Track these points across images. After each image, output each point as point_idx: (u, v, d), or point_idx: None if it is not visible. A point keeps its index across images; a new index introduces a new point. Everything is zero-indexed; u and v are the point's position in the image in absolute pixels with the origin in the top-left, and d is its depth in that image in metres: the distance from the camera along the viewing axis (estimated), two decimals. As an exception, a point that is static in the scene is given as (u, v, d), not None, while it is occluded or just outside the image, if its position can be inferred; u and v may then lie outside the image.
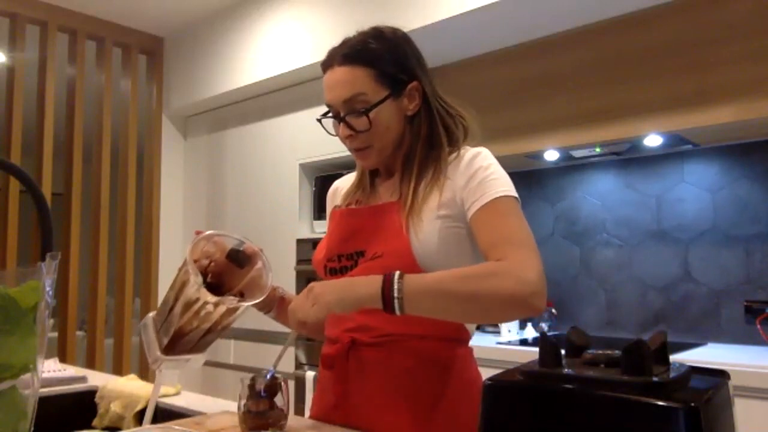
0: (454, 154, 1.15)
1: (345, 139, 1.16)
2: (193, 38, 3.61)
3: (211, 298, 1.02)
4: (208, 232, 1.13)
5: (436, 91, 1.19)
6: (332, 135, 1.20)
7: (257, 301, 1.10)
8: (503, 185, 1.08)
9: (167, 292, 1.08)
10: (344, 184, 1.32)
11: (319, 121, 1.20)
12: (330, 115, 1.17)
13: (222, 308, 1.04)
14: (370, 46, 1.13)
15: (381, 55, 1.12)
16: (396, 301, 0.96)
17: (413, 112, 1.16)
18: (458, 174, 1.11)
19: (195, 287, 1.02)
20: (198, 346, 1.10)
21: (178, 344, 1.07)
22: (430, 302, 0.98)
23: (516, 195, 1.08)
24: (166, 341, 1.06)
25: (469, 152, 1.13)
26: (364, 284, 0.99)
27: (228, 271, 1.14)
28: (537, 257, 0.99)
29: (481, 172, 1.09)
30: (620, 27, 2.28)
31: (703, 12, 2.09)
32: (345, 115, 1.13)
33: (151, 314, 1.11)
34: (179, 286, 1.05)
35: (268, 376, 1.00)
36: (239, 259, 1.13)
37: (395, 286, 0.96)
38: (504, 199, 1.06)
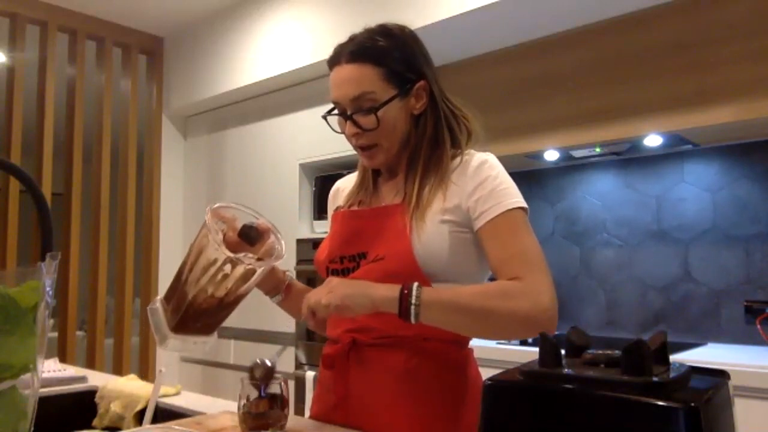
0: (458, 159, 1.14)
1: (351, 137, 1.15)
2: (193, 38, 3.61)
3: (231, 255, 1.01)
4: (223, 203, 1.12)
5: (443, 91, 1.18)
6: (337, 132, 1.19)
7: (273, 263, 1.09)
8: (514, 196, 1.08)
9: (176, 274, 1.07)
10: (346, 184, 1.32)
11: (325, 118, 1.19)
12: (336, 112, 1.16)
13: (239, 269, 1.03)
14: (378, 43, 1.12)
15: (389, 53, 1.12)
16: (413, 308, 0.97)
17: (420, 111, 1.16)
18: (465, 180, 1.10)
19: (215, 246, 1.01)
20: (207, 326, 1.09)
21: (188, 321, 1.05)
22: (444, 314, 0.99)
23: (525, 205, 1.08)
24: (176, 319, 1.05)
25: (474, 158, 1.12)
26: (383, 287, 0.99)
27: (238, 249, 1.13)
28: (550, 279, 1.02)
29: (490, 181, 1.08)
30: (620, 27, 2.27)
31: (703, 12, 2.09)
32: (352, 113, 1.12)
33: (159, 297, 1.10)
34: (196, 253, 1.04)
35: (268, 362, 1.01)
36: (251, 236, 1.12)
37: (414, 293, 0.97)
38: (515, 212, 1.06)
